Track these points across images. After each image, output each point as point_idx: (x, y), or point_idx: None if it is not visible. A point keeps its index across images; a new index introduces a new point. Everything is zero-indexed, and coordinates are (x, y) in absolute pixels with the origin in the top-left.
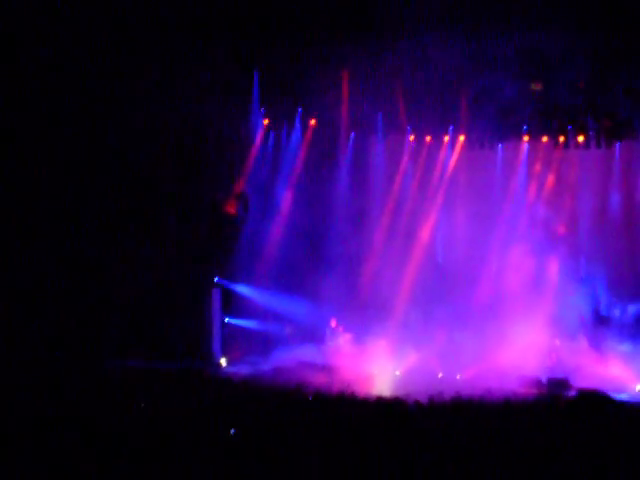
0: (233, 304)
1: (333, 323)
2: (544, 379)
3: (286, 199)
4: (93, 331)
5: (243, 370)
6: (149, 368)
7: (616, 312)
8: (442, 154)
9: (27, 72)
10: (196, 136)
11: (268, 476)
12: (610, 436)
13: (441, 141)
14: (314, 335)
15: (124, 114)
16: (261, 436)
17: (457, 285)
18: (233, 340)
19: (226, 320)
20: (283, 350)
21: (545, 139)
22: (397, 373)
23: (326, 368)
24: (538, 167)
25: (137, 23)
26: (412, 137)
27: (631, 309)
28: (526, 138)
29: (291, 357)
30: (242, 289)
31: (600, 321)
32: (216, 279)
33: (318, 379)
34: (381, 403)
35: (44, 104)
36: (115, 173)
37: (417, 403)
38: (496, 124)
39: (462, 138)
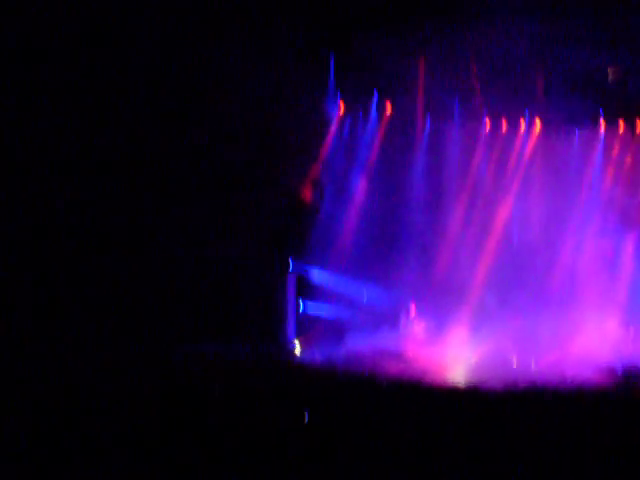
0: (308, 290)
1: (412, 310)
2: (619, 368)
3: (361, 186)
4: (167, 317)
5: (316, 356)
6: (224, 353)
7: None
8: (518, 139)
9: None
10: (273, 121)
11: (342, 462)
12: None
13: (517, 126)
14: (388, 322)
15: (204, 104)
16: (334, 423)
17: (532, 270)
18: (308, 326)
19: (301, 305)
20: (357, 337)
21: (622, 124)
22: (472, 360)
23: (401, 356)
24: (615, 152)
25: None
26: (488, 123)
27: None
28: (603, 123)
29: (365, 344)
30: (318, 275)
31: None
32: (292, 265)
33: (392, 367)
34: (456, 391)
35: (134, 98)
36: (195, 158)
37: (492, 391)
38: (572, 109)
39: (538, 123)
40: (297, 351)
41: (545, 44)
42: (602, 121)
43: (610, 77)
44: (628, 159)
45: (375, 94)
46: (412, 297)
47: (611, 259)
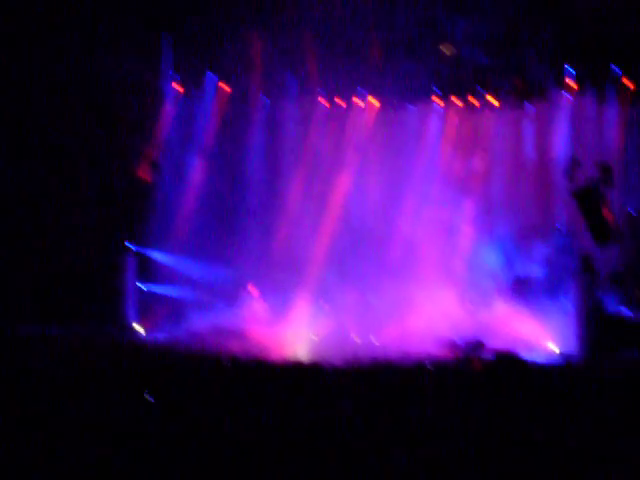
0: (148, 271)
1: (250, 288)
2: (459, 341)
3: (199, 165)
4: (4, 297)
5: (159, 336)
6: (63, 333)
7: (530, 270)
8: (354, 115)
9: None
10: (107, 102)
11: (185, 442)
12: (524, 397)
13: (353, 104)
14: (230, 301)
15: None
16: (178, 402)
17: (371, 244)
18: (148, 306)
19: (141, 287)
20: (199, 316)
21: (456, 100)
22: (313, 337)
23: (242, 334)
24: (450, 128)
25: None
26: (324, 100)
27: (544, 267)
28: (437, 99)
29: (207, 323)
30: (157, 255)
31: (514, 280)
32: (130, 246)
33: (234, 345)
34: (298, 368)
35: None
36: (27, 139)
37: (334, 367)
38: (407, 86)
39: (373, 99)
40: (138, 332)
41: (378, 20)
42: (437, 98)
43: (444, 53)
44: (462, 131)
45: (211, 73)
46: (252, 275)
47: (449, 231)
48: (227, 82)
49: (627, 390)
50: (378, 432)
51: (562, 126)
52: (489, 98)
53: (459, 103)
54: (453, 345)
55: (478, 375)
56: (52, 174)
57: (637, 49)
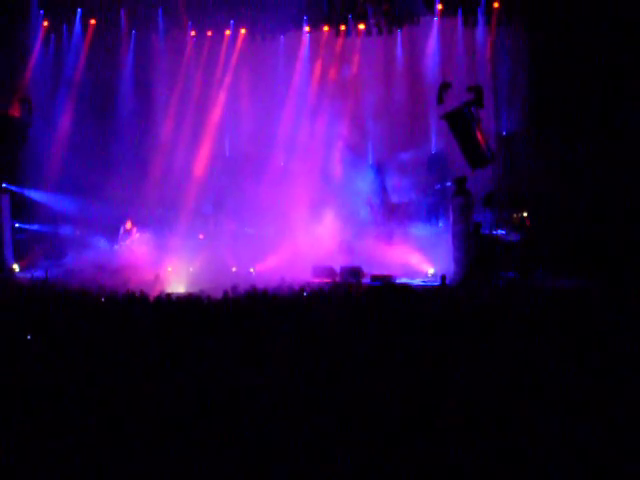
0: (24, 210)
1: (128, 224)
2: (337, 268)
3: (70, 101)
4: None
5: (37, 274)
6: None
7: (404, 195)
8: (224, 48)
9: None
10: None
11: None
12: (401, 318)
13: (223, 35)
14: (107, 236)
15: None
16: (57, 338)
17: (246, 178)
18: (25, 245)
19: (16, 225)
20: (76, 253)
21: (326, 28)
22: (190, 269)
23: (120, 269)
24: (321, 57)
25: None
26: (193, 32)
27: (418, 192)
28: (307, 29)
29: (84, 260)
30: (33, 194)
31: (389, 208)
32: (4, 184)
33: (111, 280)
34: (174, 301)
35: None
36: None
37: (209, 298)
38: (276, 15)
39: (243, 31)
40: (16, 270)
41: None
42: (306, 27)
43: None
44: (334, 64)
45: (79, 9)
46: (129, 211)
47: (322, 162)
48: (95, 18)
49: (501, 309)
50: (255, 363)
51: (432, 50)
52: (360, 26)
53: (328, 30)
54: (331, 272)
55: (356, 299)
56: None
57: None
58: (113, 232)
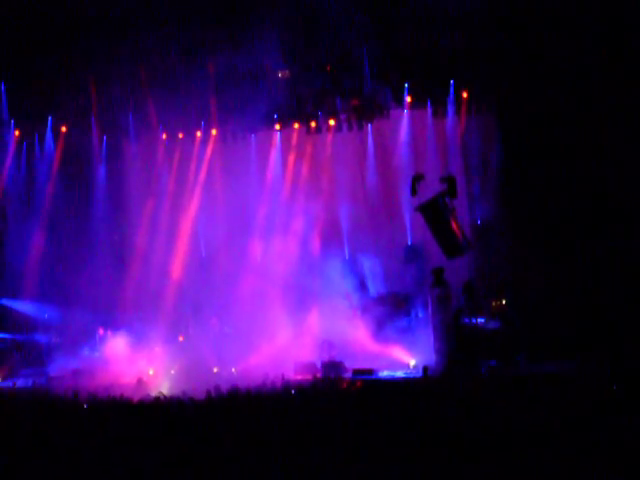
0: (1, 318)
1: (101, 331)
2: (318, 363)
3: (45, 208)
4: None
5: (18, 383)
6: None
7: (383, 288)
8: (196, 149)
9: None
10: None
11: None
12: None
13: (194, 136)
14: (85, 341)
15: None
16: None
17: (223, 277)
18: (4, 354)
19: None
20: (58, 360)
21: (297, 126)
22: (172, 372)
23: (101, 375)
24: (292, 154)
25: None
26: (164, 135)
27: (397, 283)
28: (278, 127)
29: (66, 366)
30: (9, 302)
31: (368, 301)
32: None
33: (93, 386)
34: (157, 404)
35: None
36: None
37: (192, 400)
38: (247, 115)
39: (214, 132)
40: None
41: (214, 53)
42: (277, 125)
43: (281, 78)
44: (305, 161)
45: (49, 116)
46: (107, 314)
47: (300, 258)
48: (66, 124)
49: (484, 398)
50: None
51: (403, 142)
52: (330, 122)
53: (299, 127)
54: (312, 367)
55: (339, 394)
56: None
57: (467, 61)
58: (92, 338)
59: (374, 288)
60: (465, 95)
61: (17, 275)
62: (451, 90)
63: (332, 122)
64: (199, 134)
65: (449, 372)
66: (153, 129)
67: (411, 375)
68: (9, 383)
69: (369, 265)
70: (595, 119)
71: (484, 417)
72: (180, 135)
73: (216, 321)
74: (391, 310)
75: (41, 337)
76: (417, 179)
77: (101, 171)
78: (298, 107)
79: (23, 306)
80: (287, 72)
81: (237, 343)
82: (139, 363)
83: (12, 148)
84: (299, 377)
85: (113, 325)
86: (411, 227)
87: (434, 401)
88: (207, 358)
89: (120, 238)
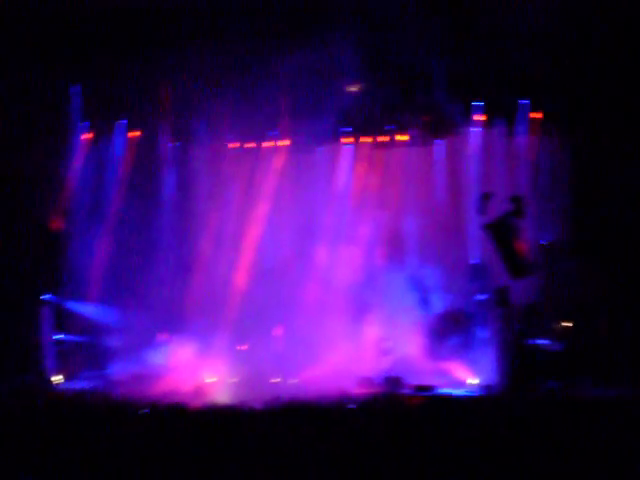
0: (64, 320)
1: (161, 336)
2: (378, 378)
3: (112, 212)
4: None
5: (79, 385)
6: None
7: (446, 305)
8: (264, 159)
9: None
10: (16, 152)
11: None
12: (444, 430)
13: (263, 148)
14: (149, 345)
15: None
16: (99, 451)
17: (286, 286)
18: (67, 356)
19: (58, 337)
20: (118, 363)
21: (366, 139)
22: (232, 380)
23: (161, 379)
24: (361, 168)
25: None
26: (234, 145)
27: (461, 302)
28: (347, 140)
29: (126, 370)
30: (73, 305)
31: (432, 315)
32: (45, 297)
33: (153, 391)
34: (215, 412)
35: None
36: None
37: (251, 409)
38: (317, 128)
39: (284, 143)
40: (57, 381)
41: (287, 68)
42: (346, 138)
43: (352, 93)
44: (374, 175)
45: (122, 121)
46: (169, 320)
47: (365, 271)
48: (136, 128)
49: (546, 421)
50: (301, 475)
51: (473, 160)
52: (399, 137)
53: (369, 141)
54: (372, 382)
55: (398, 411)
56: None
57: (542, 80)
58: (152, 343)
59: (437, 304)
60: (537, 116)
61: (82, 278)
62: (523, 110)
63: (402, 137)
64: (268, 144)
65: (510, 392)
66: (223, 138)
67: (471, 394)
68: (68, 385)
69: (433, 281)
70: None
71: (542, 439)
72: (250, 145)
73: (279, 330)
74: (453, 327)
75: (103, 340)
76: (485, 198)
77: (169, 178)
78: (368, 121)
79: (86, 309)
80: (358, 85)
81: (298, 354)
82: (199, 371)
83: (83, 151)
84: (359, 391)
85: (174, 331)
86: (477, 245)
87: (494, 421)
88: (267, 368)
89: (185, 245)
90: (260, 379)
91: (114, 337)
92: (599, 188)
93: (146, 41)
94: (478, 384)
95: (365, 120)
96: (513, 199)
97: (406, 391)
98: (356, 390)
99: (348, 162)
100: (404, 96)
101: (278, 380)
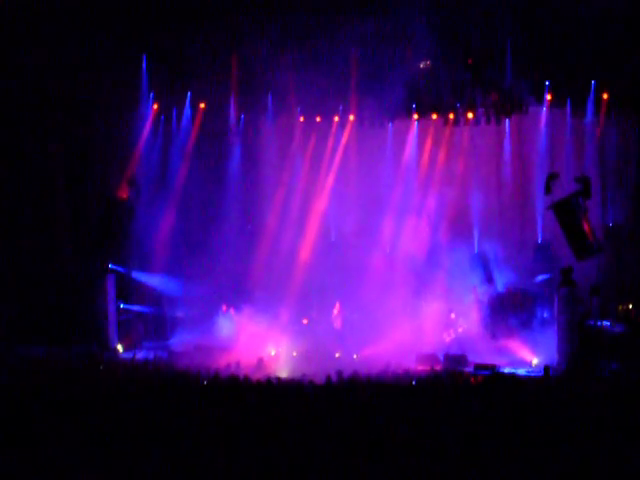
0: (128, 290)
1: (224, 307)
2: (441, 355)
3: (178, 183)
4: None
5: (140, 355)
6: (48, 355)
7: (511, 284)
8: (332, 134)
9: None
10: (84, 122)
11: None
12: (507, 409)
13: (331, 121)
14: (211, 318)
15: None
16: (160, 420)
17: (351, 264)
18: (130, 326)
19: (121, 306)
20: (180, 334)
21: (435, 116)
22: (294, 354)
23: (224, 351)
24: (429, 144)
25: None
26: (302, 118)
27: (525, 283)
28: (416, 116)
29: (187, 342)
30: (137, 274)
31: (495, 297)
32: (110, 265)
33: (216, 362)
34: (276, 385)
35: None
36: (2, 164)
37: (312, 383)
38: (386, 103)
39: (352, 118)
40: (120, 350)
41: (357, 43)
42: (415, 115)
43: (422, 68)
44: (441, 151)
45: (189, 92)
46: (233, 291)
47: (429, 246)
48: (205, 100)
49: (607, 401)
50: (362, 449)
51: (540, 139)
52: (468, 114)
53: (436, 118)
54: (434, 359)
55: (461, 388)
56: (29, 195)
57: (610, 62)
58: (215, 315)
59: (501, 283)
60: (605, 96)
61: (147, 249)
62: (592, 90)
63: (470, 115)
64: (337, 119)
65: (571, 373)
66: (291, 111)
67: (533, 374)
68: (130, 354)
69: (497, 260)
70: None
71: (601, 419)
72: (318, 118)
73: (337, 309)
74: (517, 307)
75: (166, 311)
76: (552, 177)
77: (236, 150)
78: (437, 98)
79: (151, 279)
80: (428, 62)
81: (360, 329)
82: (262, 343)
83: (150, 121)
84: (420, 368)
85: (238, 304)
86: (542, 225)
87: (554, 401)
88: (329, 343)
89: (251, 217)
90: (322, 353)
91: (178, 308)
92: None
93: (213, 12)
94: (540, 365)
95: (434, 97)
96: (579, 179)
97: (468, 369)
98: (418, 367)
99: (416, 139)
100: (473, 74)
101: (340, 355)
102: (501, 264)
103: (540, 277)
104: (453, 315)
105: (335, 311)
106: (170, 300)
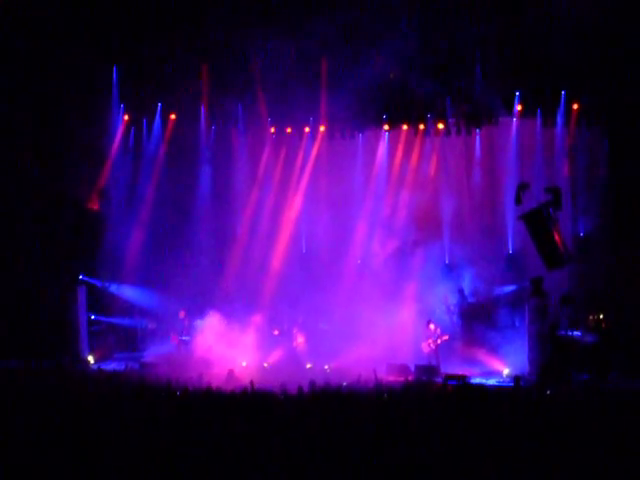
0: (99, 301)
1: (181, 314)
2: (412, 366)
3: (148, 194)
4: None
5: (111, 366)
6: (18, 367)
7: (481, 295)
8: (303, 145)
9: None
10: (55, 132)
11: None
12: (475, 419)
13: (302, 132)
14: (181, 329)
15: None
16: (132, 433)
17: (322, 274)
18: (101, 336)
19: (92, 317)
20: (152, 346)
21: (405, 127)
22: (265, 365)
23: (193, 363)
24: (399, 155)
25: None
26: (273, 129)
27: (496, 295)
28: (386, 127)
29: (158, 353)
30: (109, 286)
31: (466, 307)
32: (81, 276)
33: (187, 374)
34: (248, 395)
35: None
36: None
37: (285, 393)
38: (356, 114)
39: (322, 129)
40: (91, 362)
41: (328, 55)
42: (385, 125)
43: (391, 78)
44: (411, 163)
45: (159, 102)
46: (205, 303)
47: (400, 259)
48: (175, 111)
49: (578, 411)
50: (332, 459)
51: (510, 150)
52: (439, 125)
53: (407, 129)
54: (405, 370)
55: (431, 399)
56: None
57: (579, 73)
58: (188, 325)
59: (472, 294)
60: (575, 107)
61: (118, 260)
62: (562, 101)
63: (441, 125)
64: (307, 130)
65: (541, 383)
66: (262, 122)
67: (503, 384)
68: (102, 365)
69: (468, 270)
70: None
71: (570, 430)
72: (288, 130)
73: (308, 321)
74: (488, 317)
75: (137, 322)
76: (522, 188)
77: (207, 159)
78: (408, 109)
79: (121, 289)
80: (398, 73)
81: (331, 340)
82: (232, 354)
83: (121, 132)
84: (391, 378)
85: (209, 315)
86: (513, 235)
87: (524, 412)
88: (301, 353)
89: (222, 228)
90: (293, 364)
91: (148, 320)
92: (637, 179)
93: (183, 23)
94: (510, 375)
95: (404, 108)
96: (550, 190)
97: (438, 380)
98: (389, 377)
99: (386, 149)
100: (443, 85)
101: (311, 366)
102: (471, 275)
103: (510, 287)
104: (432, 326)
105: (300, 340)
106: (141, 312)
